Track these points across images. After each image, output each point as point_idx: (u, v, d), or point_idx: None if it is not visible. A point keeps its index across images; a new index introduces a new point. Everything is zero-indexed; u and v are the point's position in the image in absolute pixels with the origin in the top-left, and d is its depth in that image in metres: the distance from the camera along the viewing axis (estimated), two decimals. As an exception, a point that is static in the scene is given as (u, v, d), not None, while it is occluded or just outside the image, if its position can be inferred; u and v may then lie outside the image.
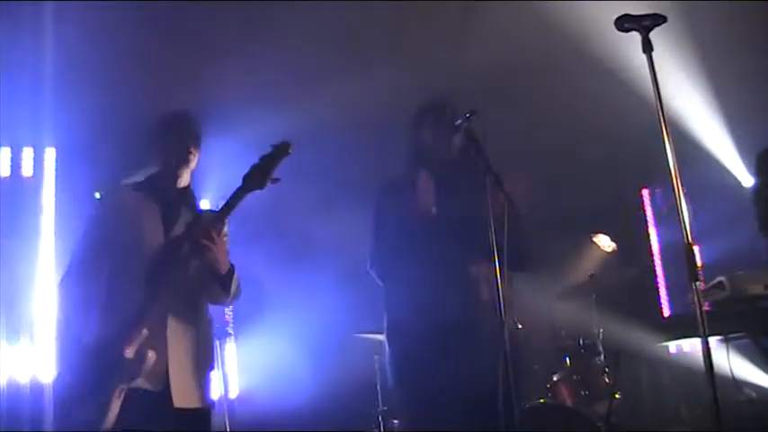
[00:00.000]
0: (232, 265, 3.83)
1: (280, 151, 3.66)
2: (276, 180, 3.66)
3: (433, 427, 3.89)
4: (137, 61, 6.33)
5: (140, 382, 3.55)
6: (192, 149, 3.97)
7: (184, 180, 4.03)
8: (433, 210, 4.00)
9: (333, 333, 6.84)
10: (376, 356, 6.33)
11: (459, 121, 3.81)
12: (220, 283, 3.81)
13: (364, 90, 6.34)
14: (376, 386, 6.38)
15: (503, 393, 3.57)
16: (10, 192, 6.90)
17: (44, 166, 7.16)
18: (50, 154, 7.22)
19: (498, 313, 3.51)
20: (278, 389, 7.05)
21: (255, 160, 3.67)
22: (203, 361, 3.81)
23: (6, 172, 7.07)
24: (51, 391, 3.86)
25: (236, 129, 6.23)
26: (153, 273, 3.69)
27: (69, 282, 3.87)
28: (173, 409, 3.58)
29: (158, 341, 3.61)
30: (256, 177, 3.64)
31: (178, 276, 3.69)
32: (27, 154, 7.17)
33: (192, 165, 4.02)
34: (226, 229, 3.98)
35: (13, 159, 7.11)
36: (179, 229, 3.85)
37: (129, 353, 3.53)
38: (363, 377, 6.52)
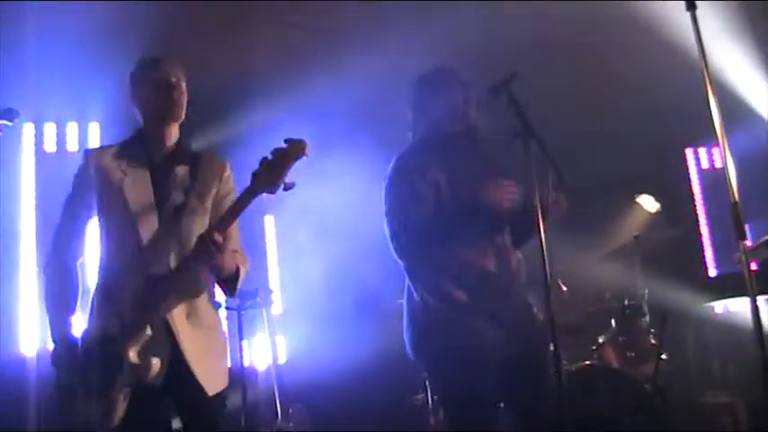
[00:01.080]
0: (238, 268, 3.52)
1: (294, 150, 3.21)
2: (290, 187, 3.23)
3: (479, 394, 3.89)
4: (178, 30, 6.32)
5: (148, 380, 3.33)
6: (180, 102, 3.56)
7: (173, 135, 3.63)
8: (509, 205, 3.91)
9: (378, 300, 6.86)
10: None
11: (498, 83, 3.77)
12: (224, 287, 3.60)
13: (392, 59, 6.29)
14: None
15: (548, 357, 3.58)
16: (56, 166, 6.99)
17: (88, 141, 7.24)
18: (94, 129, 7.31)
19: (544, 279, 3.48)
20: (325, 355, 7.11)
21: (267, 155, 3.23)
22: (215, 346, 3.59)
23: (52, 147, 7.17)
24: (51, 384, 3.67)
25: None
26: (151, 261, 3.42)
27: (53, 262, 3.61)
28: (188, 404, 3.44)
29: (163, 338, 3.37)
30: (268, 178, 3.21)
31: (178, 269, 3.40)
32: (72, 129, 7.27)
33: (178, 115, 3.60)
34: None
35: (58, 135, 7.22)
36: (176, 198, 3.50)
37: (134, 356, 3.29)
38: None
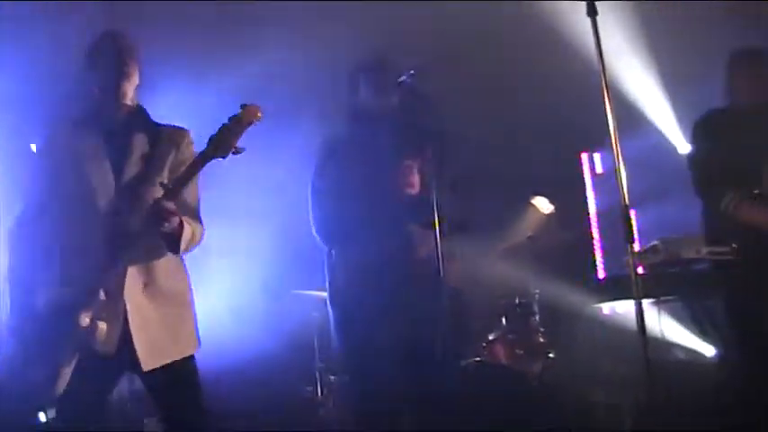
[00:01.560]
0: (181, 222, 3.48)
1: (247, 114, 3.32)
2: (239, 151, 3.33)
3: (375, 386, 3.93)
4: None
5: (98, 347, 3.35)
6: (127, 61, 3.62)
7: (129, 99, 3.68)
8: (411, 192, 3.96)
9: (271, 290, 6.83)
10: (314, 314, 6.34)
11: (403, 77, 3.80)
12: (168, 245, 3.54)
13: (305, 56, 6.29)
14: (314, 343, 6.40)
15: (441, 352, 3.62)
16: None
17: None
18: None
19: (437, 272, 3.53)
20: (218, 345, 7.02)
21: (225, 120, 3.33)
22: (173, 314, 3.60)
23: None
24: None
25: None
26: (108, 229, 3.44)
27: (19, 234, 3.63)
28: (141, 373, 3.46)
29: (115, 305, 3.38)
30: (222, 142, 3.30)
31: (136, 231, 3.41)
32: None
33: (134, 79, 3.66)
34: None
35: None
36: (133, 167, 3.55)
37: (85, 320, 3.31)
38: (301, 334, 6.53)
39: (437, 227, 3.57)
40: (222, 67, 6.41)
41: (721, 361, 5.97)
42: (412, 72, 3.80)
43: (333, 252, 4.18)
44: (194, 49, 6.64)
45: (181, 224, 3.45)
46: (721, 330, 5.77)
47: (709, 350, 6.38)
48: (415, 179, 3.94)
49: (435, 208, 3.58)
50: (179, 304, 3.65)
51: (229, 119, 3.30)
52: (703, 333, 6.22)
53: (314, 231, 4.20)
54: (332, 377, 6.24)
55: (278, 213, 6.77)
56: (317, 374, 6.23)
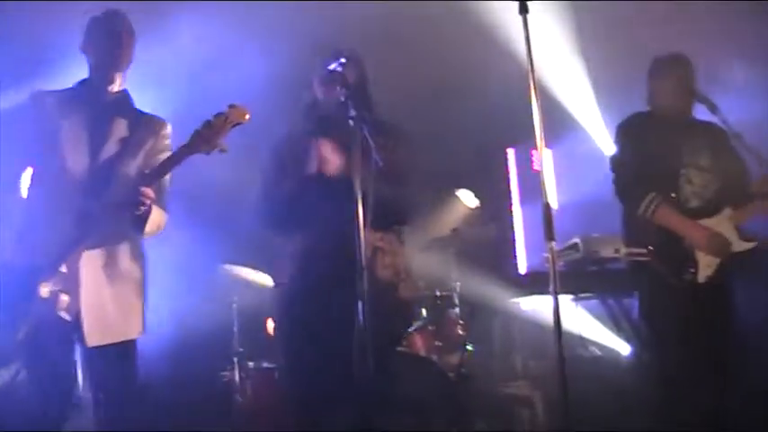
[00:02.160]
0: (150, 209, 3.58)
1: (235, 114, 3.45)
2: (224, 150, 3.46)
3: (297, 376, 3.95)
4: None
5: (61, 314, 3.46)
6: (122, 46, 3.73)
7: (117, 83, 3.78)
8: (330, 172, 3.94)
9: (197, 268, 6.74)
10: (235, 297, 6.30)
11: (333, 66, 3.79)
12: (135, 226, 3.63)
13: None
14: (233, 328, 6.35)
15: (359, 342, 3.61)
16: None
17: None
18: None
19: (359, 263, 3.52)
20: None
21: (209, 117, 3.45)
22: (126, 296, 3.69)
23: None
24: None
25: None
26: (78, 206, 3.51)
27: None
28: (86, 347, 3.54)
29: (74, 280, 3.48)
30: (207, 137, 3.42)
31: (105, 211, 3.51)
32: None
33: (125, 64, 3.77)
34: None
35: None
36: (110, 149, 3.64)
37: (45, 292, 3.41)
38: (222, 319, 6.47)
39: (361, 218, 3.56)
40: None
41: (636, 358, 6.09)
42: (343, 61, 3.79)
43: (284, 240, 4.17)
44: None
45: (150, 209, 3.54)
46: (637, 328, 5.89)
47: (624, 347, 6.50)
48: (333, 158, 3.92)
49: (361, 198, 3.56)
50: (133, 288, 3.74)
51: (215, 116, 3.42)
52: (619, 330, 6.34)
53: (262, 220, 4.16)
54: (250, 363, 6.20)
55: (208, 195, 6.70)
56: (236, 360, 6.18)
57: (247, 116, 3.46)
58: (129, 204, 3.46)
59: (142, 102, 3.94)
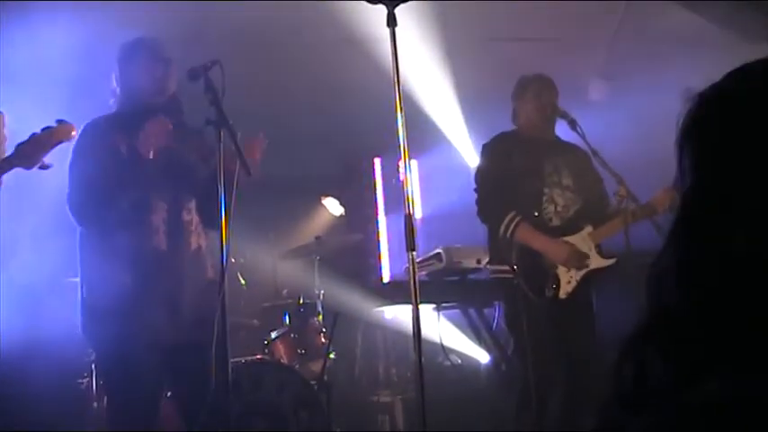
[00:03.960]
0: None
1: (61, 131, 3.35)
2: (46, 167, 3.34)
3: (135, 386, 3.82)
4: None
5: None
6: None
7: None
8: (150, 155, 3.83)
9: (43, 278, 6.54)
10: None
11: (199, 68, 3.74)
12: None
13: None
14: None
15: (216, 349, 3.56)
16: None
17: None
18: None
19: (221, 271, 3.50)
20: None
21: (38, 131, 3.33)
22: None
23: None
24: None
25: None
26: None
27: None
28: None
29: None
30: (30, 152, 3.29)
31: None
32: None
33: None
34: None
35: None
36: None
37: None
38: (76, 324, 6.28)
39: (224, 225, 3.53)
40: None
41: (495, 366, 6.22)
42: (210, 64, 3.75)
43: (91, 232, 3.99)
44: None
45: None
46: (496, 338, 6.02)
47: (483, 356, 6.62)
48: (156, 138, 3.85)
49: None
50: None
51: (42, 130, 3.30)
52: (479, 340, 6.45)
53: (70, 210, 3.97)
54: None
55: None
56: (93, 367, 6.02)
57: (73, 133, 3.38)
58: None
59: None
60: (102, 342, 3.91)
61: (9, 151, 3.50)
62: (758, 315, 0.97)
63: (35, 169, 3.32)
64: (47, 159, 3.35)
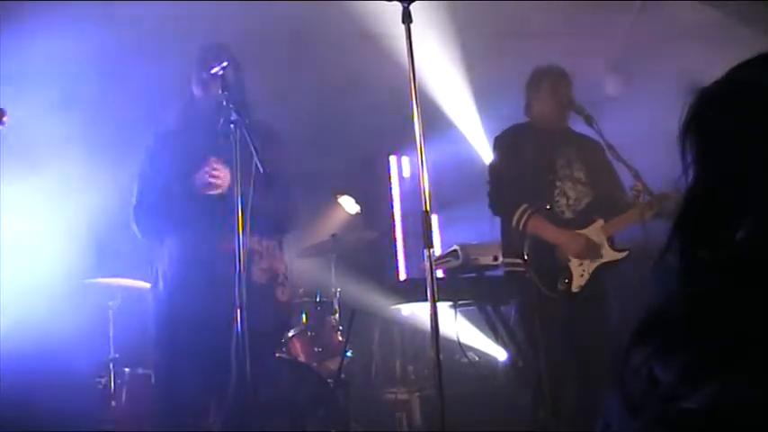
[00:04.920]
0: None
1: None
2: None
3: (174, 380, 3.87)
4: None
5: None
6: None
7: None
8: (214, 191, 3.89)
9: (62, 280, 6.57)
10: (110, 302, 6.17)
11: (215, 69, 3.75)
12: None
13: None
14: (108, 333, 6.21)
15: (237, 347, 3.59)
16: None
17: None
18: None
19: (237, 270, 3.51)
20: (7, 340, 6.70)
21: None
22: None
23: None
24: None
25: None
26: None
27: None
28: None
29: None
30: None
31: None
32: None
33: None
34: None
35: None
36: None
37: None
38: (95, 324, 6.32)
39: (243, 225, 3.54)
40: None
41: (511, 364, 6.20)
42: (225, 64, 3.77)
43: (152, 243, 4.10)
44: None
45: None
46: (513, 334, 6.00)
47: (500, 353, 6.61)
48: (222, 176, 3.88)
49: (240, 206, 3.55)
50: None
51: None
52: (496, 337, 6.43)
53: (134, 223, 4.08)
54: (126, 369, 6.08)
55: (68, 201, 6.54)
56: (111, 366, 6.04)
57: (5, 118, 3.42)
58: None
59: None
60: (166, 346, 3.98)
61: None
62: (761, 317, 0.95)
63: None
64: None
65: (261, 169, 3.59)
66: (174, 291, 3.97)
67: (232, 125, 3.62)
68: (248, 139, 3.62)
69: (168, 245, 4.02)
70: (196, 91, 4.12)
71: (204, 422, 4.01)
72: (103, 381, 6.11)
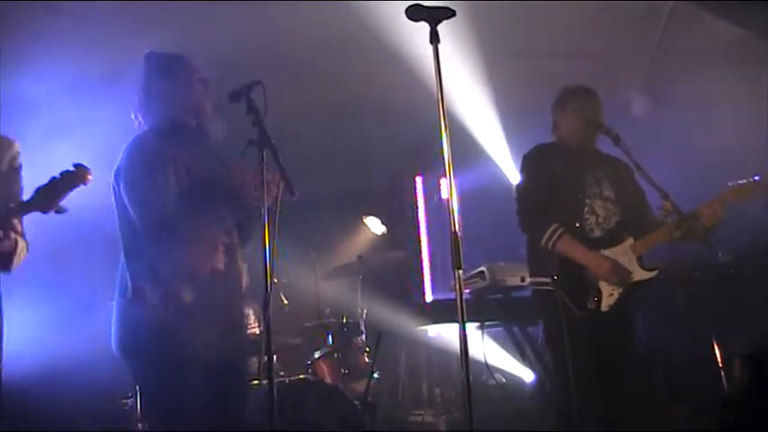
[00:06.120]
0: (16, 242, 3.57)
1: (78, 175, 3.41)
2: (62, 211, 3.43)
3: (183, 399, 3.79)
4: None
5: None
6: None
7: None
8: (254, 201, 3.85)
9: (89, 300, 6.58)
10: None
11: (240, 89, 3.72)
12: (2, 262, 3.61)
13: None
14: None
15: (260, 369, 3.56)
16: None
17: None
18: None
19: (265, 291, 3.48)
20: (37, 355, 6.72)
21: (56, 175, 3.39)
22: None
23: None
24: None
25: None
26: None
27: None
28: None
29: None
30: (47, 196, 3.37)
31: None
32: None
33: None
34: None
35: None
36: None
37: None
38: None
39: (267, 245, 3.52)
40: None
41: (539, 385, 6.16)
42: (250, 84, 3.74)
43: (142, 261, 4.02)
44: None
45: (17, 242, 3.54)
46: (540, 355, 5.95)
47: (528, 374, 6.57)
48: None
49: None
50: None
51: (61, 174, 3.36)
52: (524, 358, 6.40)
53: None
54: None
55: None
56: (137, 387, 6.03)
57: (89, 177, 3.42)
58: None
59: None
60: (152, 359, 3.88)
61: (23, 181, 3.59)
62: None
63: (51, 213, 3.42)
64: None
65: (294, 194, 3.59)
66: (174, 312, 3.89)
67: (265, 148, 3.60)
68: (280, 163, 3.61)
69: (165, 257, 3.92)
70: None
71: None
72: (129, 402, 6.12)
